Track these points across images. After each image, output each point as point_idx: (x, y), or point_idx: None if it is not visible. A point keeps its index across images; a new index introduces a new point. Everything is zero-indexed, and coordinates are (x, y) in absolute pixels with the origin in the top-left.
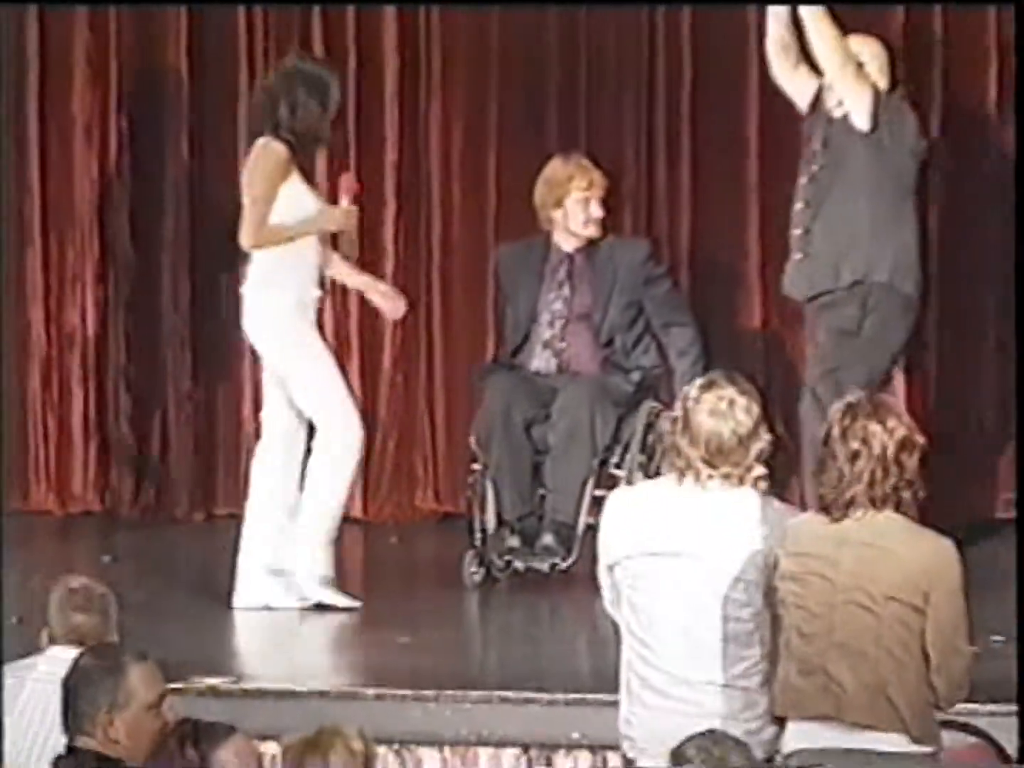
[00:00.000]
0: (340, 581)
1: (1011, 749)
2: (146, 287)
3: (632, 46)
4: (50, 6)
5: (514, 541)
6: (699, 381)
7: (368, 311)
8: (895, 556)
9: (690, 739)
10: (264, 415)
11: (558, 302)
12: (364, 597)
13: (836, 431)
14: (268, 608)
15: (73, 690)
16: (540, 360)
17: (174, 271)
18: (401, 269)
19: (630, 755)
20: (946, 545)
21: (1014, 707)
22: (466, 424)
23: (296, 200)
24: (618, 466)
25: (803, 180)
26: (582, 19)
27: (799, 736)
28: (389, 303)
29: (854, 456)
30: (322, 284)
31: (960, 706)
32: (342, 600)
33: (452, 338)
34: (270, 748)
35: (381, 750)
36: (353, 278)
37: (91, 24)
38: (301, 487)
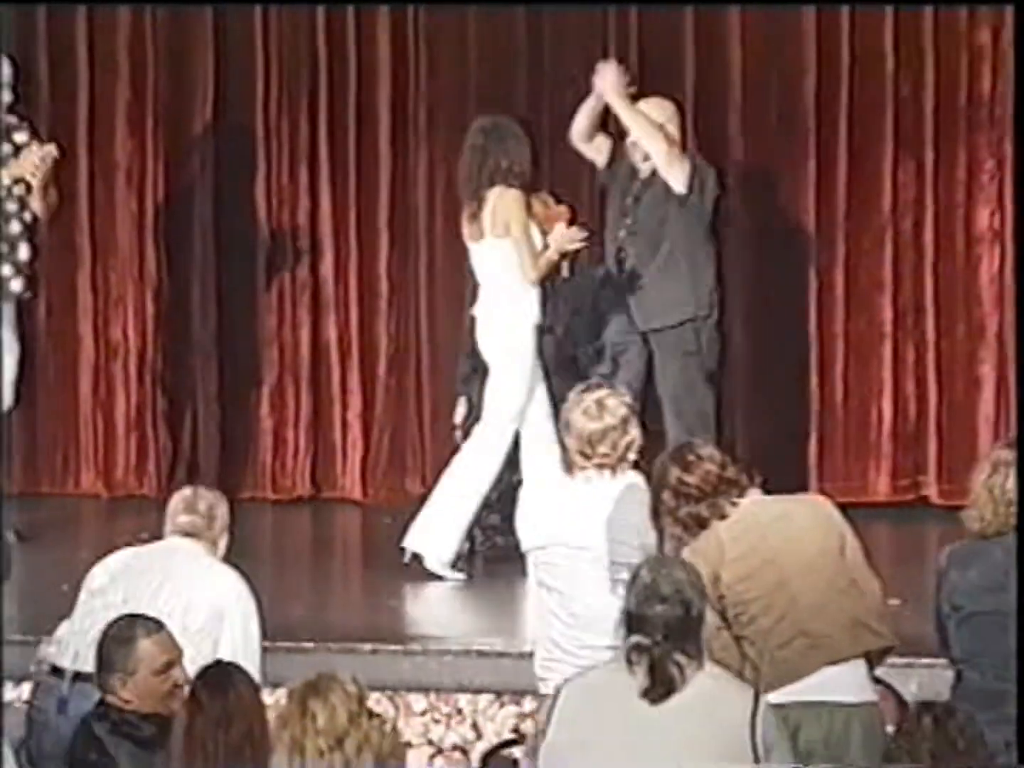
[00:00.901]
0: (342, 553)
1: (906, 695)
2: (179, 306)
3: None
4: (100, 77)
5: (494, 519)
6: (578, 386)
7: (367, 326)
8: (803, 519)
9: (644, 562)
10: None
11: None
12: (360, 567)
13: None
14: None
15: (98, 657)
16: None
17: (203, 292)
18: (395, 294)
19: (544, 692)
20: (821, 499)
21: (908, 660)
22: (448, 421)
23: (533, 233)
24: None
25: (621, 233)
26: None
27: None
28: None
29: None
30: None
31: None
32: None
33: (436, 350)
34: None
35: (375, 695)
36: None
37: (132, 83)
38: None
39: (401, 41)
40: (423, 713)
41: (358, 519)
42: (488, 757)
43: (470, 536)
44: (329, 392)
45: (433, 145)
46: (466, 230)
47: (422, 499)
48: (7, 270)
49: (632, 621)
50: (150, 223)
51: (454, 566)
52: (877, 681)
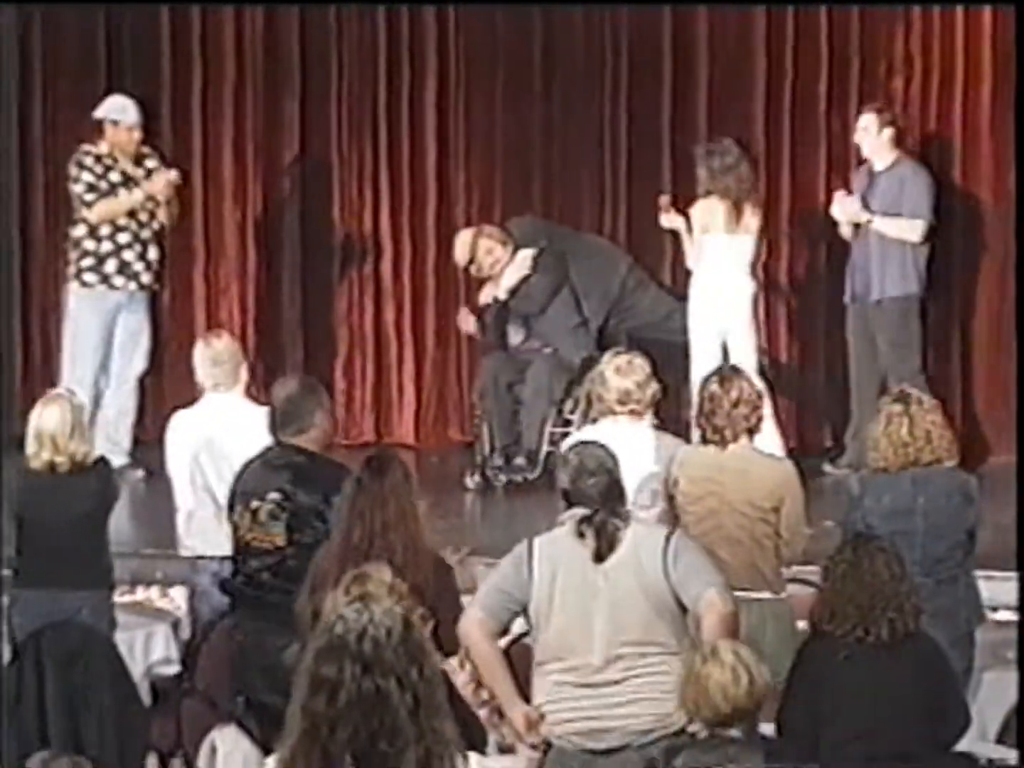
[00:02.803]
0: None
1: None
2: (272, 294)
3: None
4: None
5: (499, 461)
6: (610, 351)
7: (418, 310)
8: (758, 476)
9: (570, 448)
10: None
11: None
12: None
13: (717, 388)
14: None
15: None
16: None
17: (291, 283)
18: (440, 285)
19: None
20: (790, 467)
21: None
22: None
23: None
24: (572, 412)
25: None
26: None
27: None
28: None
29: (735, 404)
30: None
31: (808, 568)
32: None
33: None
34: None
35: None
36: None
37: (235, 121)
38: None
39: (444, 84)
40: None
41: (412, 460)
42: (511, 645)
43: (484, 474)
44: (388, 361)
45: (470, 170)
46: (723, 225)
47: (463, 444)
48: (140, 267)
49: (570, 496)
50: (251, 230)
51: None
52: (812, 584)
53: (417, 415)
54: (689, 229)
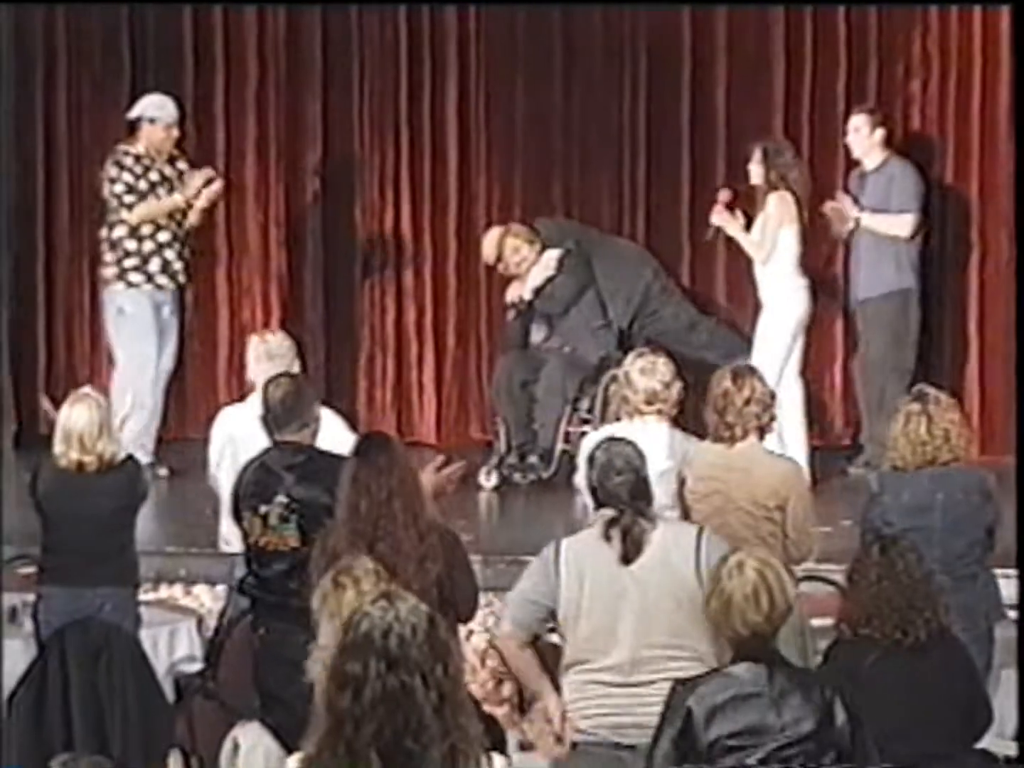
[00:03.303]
0: None
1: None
2: (294, 295)
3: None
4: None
5: (513, 459)
6: (633, 352)
7: (438, 310)
8: (763, 475)
9: (597, 446)
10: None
11: None
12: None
13: (730, 384)
14: None
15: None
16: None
17: (313, 284)
18: (460, 286)
19: None
20: (797, 467)
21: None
22: None
23: None
24: (589, 411)
25: None
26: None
27: None
28: None
29: (747, 402)
30: None
31: (823, 567)
32: None
33: (492, 329)
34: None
35: None
36: None
37: (259, 123)
38: None
39: (465, 86)
40: (483, 606)
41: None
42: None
43: (501, 473)
44: (409, 361)
45: (490, 171)
46: (796, 217)
47: (484, 443)
48: (179, 265)
49: (598, 493)
50: (273, 231)
51: None
52: (831, 583)
53: (438, 414)
54: (746, 227)
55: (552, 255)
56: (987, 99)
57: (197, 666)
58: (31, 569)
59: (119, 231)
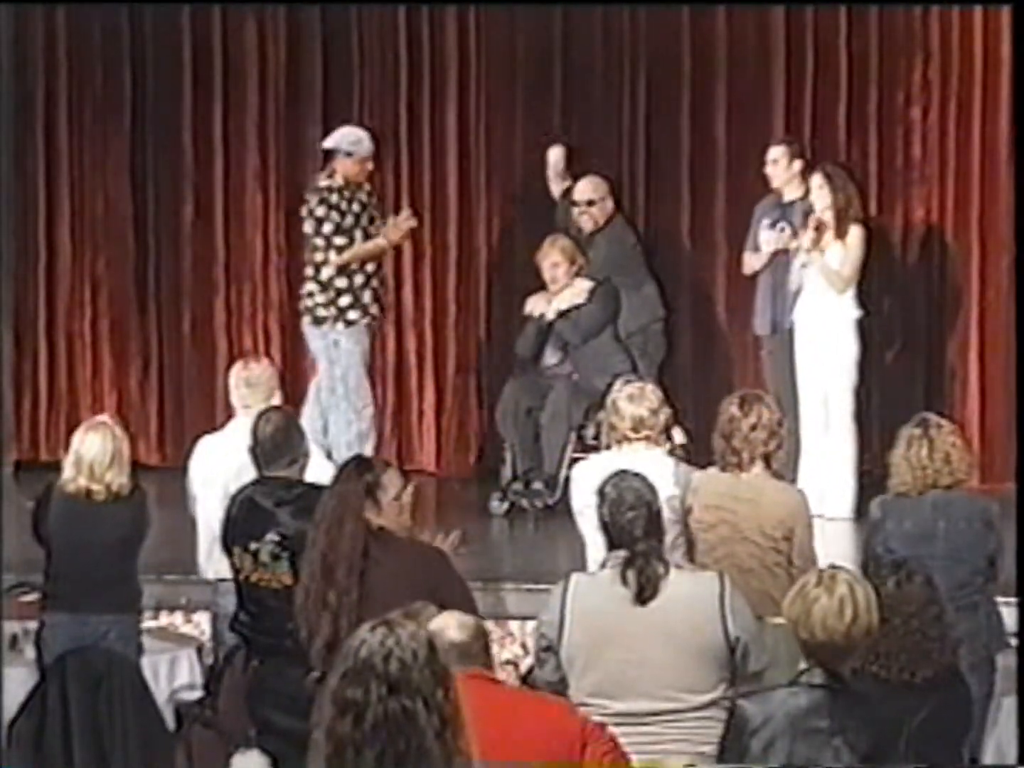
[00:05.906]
0: (421, 512)
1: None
2: (295, 320)
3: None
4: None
5: (519, 485)
6: (620, 379)
7: (438, 338)
8: (770, 504)
9: (606, 480)
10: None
11: None
12: (435, 523)
13: (737, 410)
14: None
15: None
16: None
17: None
18: (460, 313)
19: None
20: (802, 496)
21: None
22: None
23: None
24: (595, 438)
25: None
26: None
27: None
28: None
29: (753, 427)
30: None
31: None
32: None
33: (492, 356)
34: None
35: None
36: None
37: (260, 152)
38: None
39: (464, 110)
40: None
41: (433, 486)
42: (531, 671)
43: (507, 499)
44: (409, 388)
45: (491, 198)
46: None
47: (485, 470)
48: (382, 292)
49: (610, 530)
50: (273, 257)
51: None
52: None
53: (438, 442)
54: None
55: (585, 285)
56: (987, 127)
57: (197, 694)
58: (32, 597)
59: (327, 272)
